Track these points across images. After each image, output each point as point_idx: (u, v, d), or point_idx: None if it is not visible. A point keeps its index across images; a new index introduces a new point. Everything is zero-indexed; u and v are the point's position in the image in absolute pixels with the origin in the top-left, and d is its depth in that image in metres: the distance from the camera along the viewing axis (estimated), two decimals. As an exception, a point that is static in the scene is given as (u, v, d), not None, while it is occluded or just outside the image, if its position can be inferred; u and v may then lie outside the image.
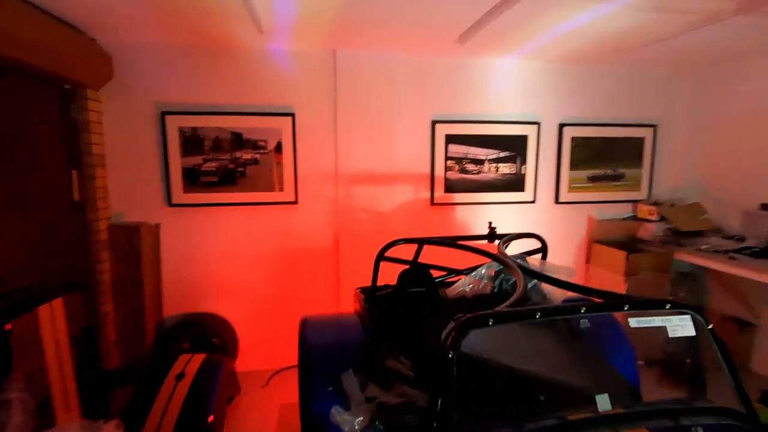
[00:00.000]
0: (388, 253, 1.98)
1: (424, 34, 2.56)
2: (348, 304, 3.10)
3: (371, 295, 2.00)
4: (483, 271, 1.94)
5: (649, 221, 3.33)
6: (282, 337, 3.13)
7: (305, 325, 1.91)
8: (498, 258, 1.54)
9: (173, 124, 2.83)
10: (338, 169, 3.04)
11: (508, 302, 1.21)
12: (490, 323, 1.06)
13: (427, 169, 3.20)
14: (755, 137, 3.06)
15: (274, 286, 3.12)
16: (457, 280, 2.03)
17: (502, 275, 1.89)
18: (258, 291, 3.10)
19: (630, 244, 3.31)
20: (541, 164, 3.32)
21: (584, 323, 1.12)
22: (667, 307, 1.15)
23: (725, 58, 3.11)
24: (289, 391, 2.89)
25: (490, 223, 1.99)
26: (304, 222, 3.09)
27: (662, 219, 3.29)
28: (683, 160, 3.50)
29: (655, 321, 1.14)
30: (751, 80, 3.07)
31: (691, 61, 3.24)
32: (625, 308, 1.13)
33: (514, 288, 1.89)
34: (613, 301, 1.14)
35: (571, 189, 3.39)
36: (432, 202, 3.22)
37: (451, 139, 3.17)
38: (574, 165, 3.36)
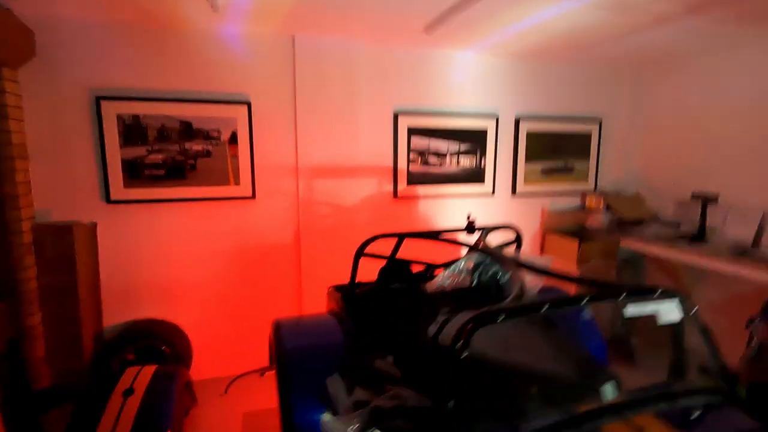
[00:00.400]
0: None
1: (391, 22, 2.48)
2: (311, 304, 2.99)
3: (350, 293, 1.91)
4: (461, 264, 1.92)
5: (597, 211, 3.54)
6: (240, 341, 2.94)
7: (279, 329, 1.78)
8: (492, 253, 1.52)
9: (111, 110, 2.52)
10: (299, 162, 2.90)
11: (509, 298, 1.19)
12: (500, 320, 1.03)
13: (390, 162, 3.14)
14: (686, 132, 3.34)
15: (230, 287, 2.91)
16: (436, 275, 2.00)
17: (481, 267, 1.89)
18: (212, 293, 2.88)
19: (580, 234, 3.49)
20: (500, 157, 3.40)
21: (587, 314, 1.13)
22: (658, 293, 1.19)
23: (661, 57, 3.36)
24: (251, 397, 2.72)
25: (469, 215, 1.98)
26: (263, 218, 2.91)
27: (608, 209, 3.51)
28: (624, 154, 3.75)
29: (648, 308, 1.17)
30: (682, 79, 3.35)
31: (631, 61, 3.46)
32: (622, 296, 1.16)
33: (493, 280, 1.91)
34: (610, 290, 1.15)
35: (527, 181, 3.50)
36: (395, 195, 3.18)
37: (413, 131, 3.14)
38: (529, 158, 3.48)
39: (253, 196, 2.85)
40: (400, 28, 2.61)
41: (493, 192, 3.41)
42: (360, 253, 1.88)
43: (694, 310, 1.21)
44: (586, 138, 3.62)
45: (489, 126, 3.31)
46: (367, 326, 1.72)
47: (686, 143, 3.36)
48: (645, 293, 1.18)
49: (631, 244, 3.28)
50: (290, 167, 2.91)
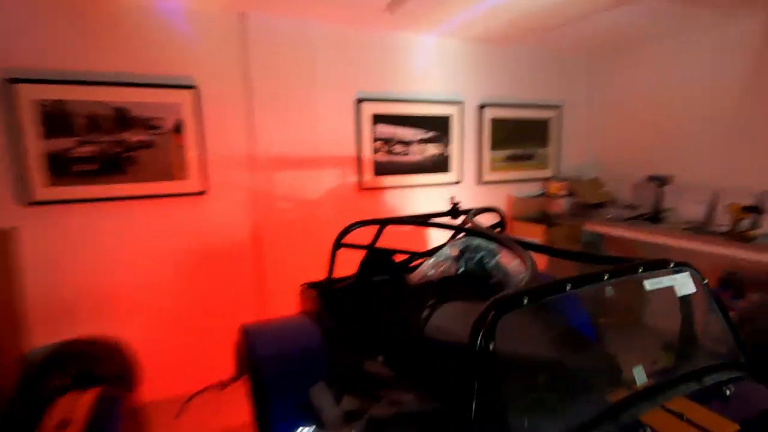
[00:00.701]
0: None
1: (352, -2, 2.31)
2: (276, 307, 2.74)
3: (327, 289, 1.71)
4: (446, 251, 1.79)
5: (559, 196, 3.57)
6: (196, 353, 2.64)
7: (249, 335, 1.56)
8: (485, 233, 1.39)
9: (27, 95, 2.14)
10: (256, 153, 2.64)
11: (523, 283, 1.06)
12: (525, 302, 0.90)
13: (354, 152, 2.96)
14: (641, 116, 3.45)
15: (182, 294, 2.60)
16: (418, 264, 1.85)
17: (467, 254, 1.77)
18: (161, 303, 2.55)
19: (544, 219, 3.50)
20: (465, 145, 3.33)
21: (609, 291, 1.03)
22: (671, 266, 1.12)
23: (616, 43, 3.45)
24: (211, 416, 2.44)
25: (453, 197, 1.86)
26: (217, 215, 2.63)
27: (570, 194, 3.55)
28: (583, 139, 3.82)
29: (665, 281, 1.10)
30: (636, 65, 3.45)
31: (589, 46, 3.52)
32: (640, 270, 1.07)
33: (480, 266, 1.79)
34: (627, 265, 1.06)
35: (492, 169, 3.46)
36: (361, 187, 3.00)
37: (378, 119, 2.98)
38: (494, 145, 3.44)
39: (205, 191, 2.57)
40: (362, 4, 2.44)
41: (460, 180, 3.33)
42: (338, 243, 1.69)
43: (705, 282, 1.15)
44: (545, 124, 3.64)
45: (454, 113, 3.23)
46: (351, 325, 1.54)
47: (641, 127, 3.47)
48: (659, 267, 1.10)
49: (592, 226, 3.34)
50: (246, 158, 2.65)
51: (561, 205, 3.54)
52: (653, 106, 3.38)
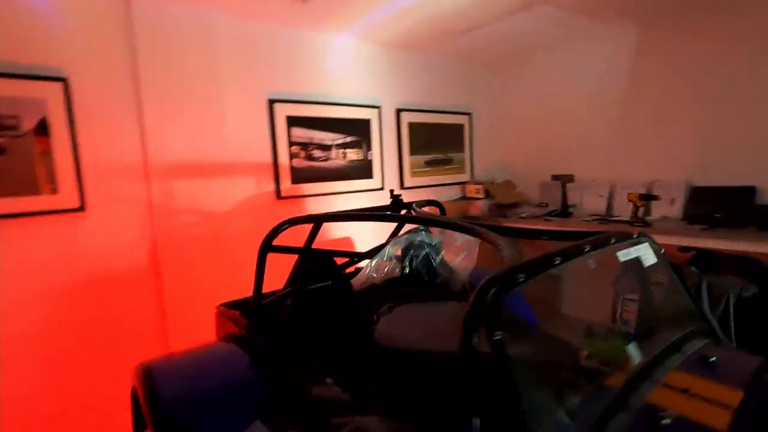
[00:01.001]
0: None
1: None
2: (183, 338, 2.30)
3: (255, 306, 1.42)
4: (389, 250, 1.62)
5: (477, 199, 3.65)
6: (83, 409, 2.09)
7: (151, 375, 1.21)
8: (438, 220, 1.25)
9: None
10: (148, 160, 2.23)
11: (508, 264, 0.93)
12: (521, 280, 0.76)
13: (269, 157, 2.68)
14: (541, 121, 3.71)
15: (61, 336, 2.05)
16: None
17: (411, 252, 1.62)
18: (29, 351, 1.98)
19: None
20: (385, 150, 3.24)
21: (591, 264, 0.94)
22: (635, 237, 1.09)
23: (516, 53, 3.68)
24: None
25: (392, 191, 1.70)
26: (102, 235, 2.15)
27: (487, 196, 3.65)
28: (492, 144, 3.98)
29: (632, 252, 1.05)
30: (534, 73, 3.72)
31: (492, 56, 3.71)
32: (612, 242, 1.01)
33: (426, 266, 1.65)
34: (602, 237, 1.00)
35: (413, 174, 3.42)
36: (279, 196, 2.72)
37: (293, 121, 2.74)
38: (414, 150, 3.41)
39: (82, 207, 2.08)
40: (272, -6, 2.22)
41: (383, 186, 3.22)
42: (267, 247, 1.41)
43: (662, 251, 1.14)
44: (460, 130, 3.73)
45: (372, 116, 3.13)
46: (290, 345, 1.28)
47: (542, 131, 3.72)
48: (626, 238, 1.05)
49: (509, 225, 3.45)
50: (137, 166, 2.22)
51: (480, 207, 3.62)
52: (551, 110, 3.65)
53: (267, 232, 1.53)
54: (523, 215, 3.43)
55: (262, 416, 1.08)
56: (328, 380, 1.17)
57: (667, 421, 0.73)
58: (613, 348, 1.07)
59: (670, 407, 0.77)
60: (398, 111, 3.29)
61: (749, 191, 2.65)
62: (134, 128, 2.20)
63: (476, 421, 0.66)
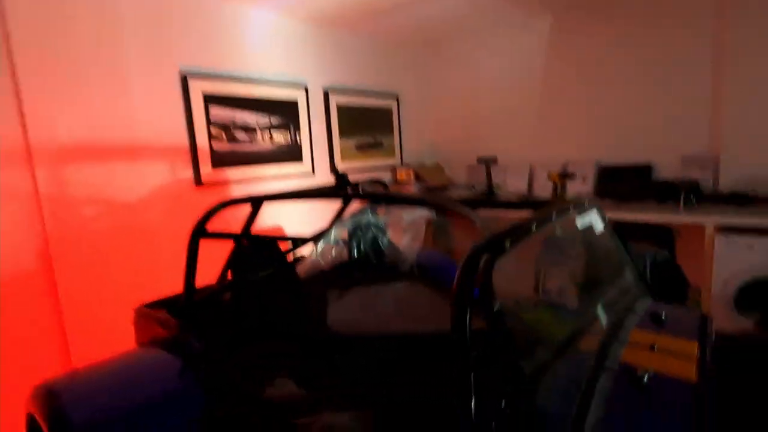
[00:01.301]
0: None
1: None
2: (88, 354, 1.97)
3: (187, 302, 1.23)
4: (334, 233, 1.51)
5: (408, 183, 3.65)
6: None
7: (55, 397, 0.98)
8: (427, 200, 1.17)
9: None
10: (30, 141, 1.85)
11: (487, 235, 0.88)
12: (507, 246, 0.71)
13: (184, 139, 2.39)
14: (465, 105, 3.81)
15: None
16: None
17: (359, 233, 1.52)
18: None
19: (398, 206, 3.53)
20: (315, 133, 3.08)
21: (558, 231, 0.94)
22: (587, 203, 1.11)
23: (439, 36, 3.71)
24: None
25: (337, 170, 1.57)
26: (-31, 235, 1.74)
27: (417, 179, 3.67)
28: (419, 127, 4.01)
29: (587, 219, 1.07)
30: (461, 56, 3.79)
31: (416, 38, 3.70)
32: (571, 209, 1.02)
33: (374, 247, 1.57)
34: (563, 206, 1.00)
35: (344, 158, 3.30)
36: (198, 182, 2.44)
37: (212, 99, 2.47)
38: (343, 133, 3.29)
39: (-60, 200, 1.66)
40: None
41: (313, 170, 3.07)
42: (200, 232, 1.22)
43: (606, 218, 1.18)
44: (389, 113, 3.68)
45: (299, 97, 2.94)
46: (230, 343, 1.12)
47: (467, 115, 3.83)
48: (582, 206, 1.07)
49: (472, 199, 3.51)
50: (14, 149, 1.83)
51: (411, 191, 3.63)
52: (475, 94, 3.76)
53: (185, 222, 1.34)
54: (452, 198, 3.51)
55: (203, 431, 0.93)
56: (281, 378, 1.04)
57: (646, 378, 0.74)
58: (544, 318, 1.10)
59: (643, 364, 0.79)
60: (326, 92, 3.14)
61: (647, 169, 2.97)
62: (6, 101, 1.80)
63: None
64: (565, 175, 3.01)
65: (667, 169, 2.88)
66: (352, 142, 3.36)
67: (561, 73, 3.27)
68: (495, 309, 0.62)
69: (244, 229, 1.35)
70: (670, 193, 2.63)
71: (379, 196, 1.21)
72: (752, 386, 0.84)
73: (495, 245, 0.68)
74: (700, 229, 2.31)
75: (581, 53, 3.16)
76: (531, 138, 3.48)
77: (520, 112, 3.52)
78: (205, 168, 2.46)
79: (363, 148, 3.47)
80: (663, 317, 0.97)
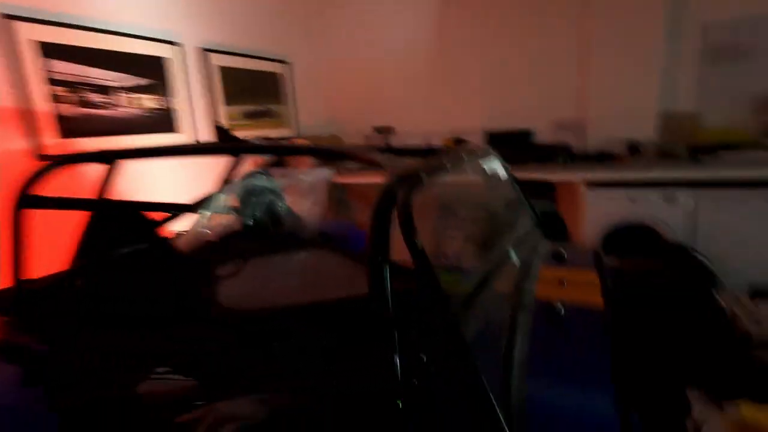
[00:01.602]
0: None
1: None
2: None
3: (19, 295, 0.94)
4: (221, 200, 1.30)
5: (305, 155, 3.46)
6: None
7: None
8: (333, 151, 1.01)
9: None
10: None
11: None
12: (424, 178, 0.63)
13: (13, 100, 1.89)
14: (360, 74, 3.71)
15: None
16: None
17: (252, 199, 1.34)
18: None
19: (295, 179, 3.33)
20: (194, 98, 2.70)
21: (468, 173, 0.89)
22: (488, 152, 1.10)
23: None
24: None
25: (217, 123, 1.34)
26: None
27: (314, 151, 3.50)
28: (316, 96, 3.80)
29: (492, 165, 1.06)
30: (354, 22, 3.65)
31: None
32: (475, 153, 0.98)
33: (271, 214, 1.41)
34: (466, 148, 0.95)
35: (232, 127, 2.97)
36: (41, 156, 1.97)
37: (52, 50, 1.99)
38: (229, 100, 2.95)
39: None
40: None
41: (197, 141, 2.71)
42: (27, 200, 0.93)
43: (507, 165, 1.19)
44: (279, 78, 3.42)
45: (172, 55, 2.54)
46: (94, 337, 0.89)
47: (362, 84, 3.74)
48: (485, 153, 1.05)
49: (338, 179, 3.41)
50: None
51: (308, 163, 3.44)
52: (369, 63, 3.68)
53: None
54: (348, 167, 3.41)
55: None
56: (159, 370, 0.85)
57: (561, 310, 0.74)
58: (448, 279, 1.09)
59: (557, 297, 0.80)
60: (205, 51, 2.77)
61: (527, 134, 3.21)
62: None
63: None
64: (459, 142, 3.12)
65: (543, 133, 3.15)
66: (240, 110, 3.05)
67: (451, 46, 3.35)
68: (419, 246, 0.54)
69: (99, 195, 1.07)
70: (547, 154, 2.88)
71: (281, 148, 1.04)
72: (641, 309, 0.92)
73: (412, 178, 0.60)
74: (574, 185, 2.57)
75: (467, 29, 3.26)
76: (424, 108, 3.53)
77: (413, 80, 3.54)
78: (50, 138, 2.00)
79: (253, 117, 3.17)
80: (564, 255, 1.01)
